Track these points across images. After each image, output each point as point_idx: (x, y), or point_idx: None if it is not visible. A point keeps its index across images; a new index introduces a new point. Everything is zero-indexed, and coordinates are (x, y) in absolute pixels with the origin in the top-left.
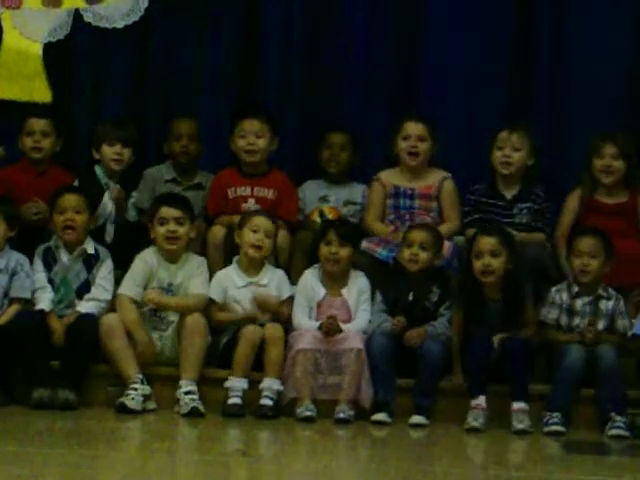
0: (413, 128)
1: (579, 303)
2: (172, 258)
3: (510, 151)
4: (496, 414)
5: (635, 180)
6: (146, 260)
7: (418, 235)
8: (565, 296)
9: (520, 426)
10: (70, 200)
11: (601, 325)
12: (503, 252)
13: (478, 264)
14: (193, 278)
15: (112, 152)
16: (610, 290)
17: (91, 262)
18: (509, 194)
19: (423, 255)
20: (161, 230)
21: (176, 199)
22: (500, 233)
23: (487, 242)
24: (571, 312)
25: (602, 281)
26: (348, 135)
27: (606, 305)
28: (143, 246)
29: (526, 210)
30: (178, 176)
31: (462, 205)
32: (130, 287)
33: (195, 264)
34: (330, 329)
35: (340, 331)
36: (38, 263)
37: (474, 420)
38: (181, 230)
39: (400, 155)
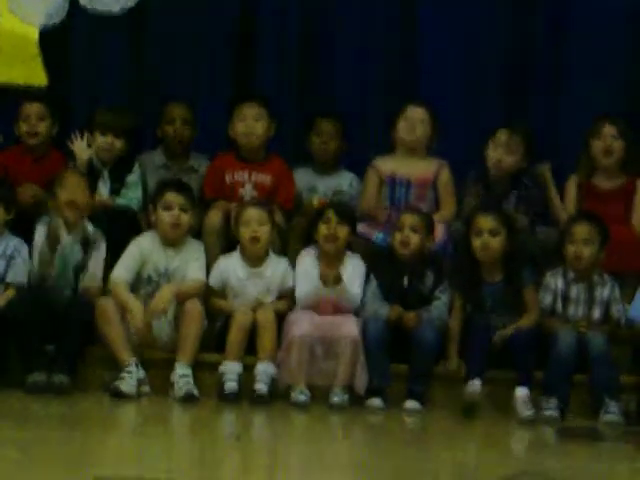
0: (414, 112)
1: (574, 290)
2: (171, 243)
3: (504, 154)
4: (491, 400)
5: (632, 164)
6: (141, 245)
7: (409, 218)
8: (560, 282)
9: (528, 413)
10: (73, 179)
11: (597, 313)
12: (502, 231)
13: (477, 242)
14: (190, 262)
15: (103, 141)
16: (605, 276)
17: (87, 244)
18: (500, 189)
19: (414, 238)
20: (166, 216)
21: (181, 186)
22: (499, 212)
23: (487, 220)
24: (566, 299)
25: (597, 267)
26: (338, 122)
27: (601, 292)
28: (139, 232)
29: (514, 198)
30: (169, 160)
31: (460, 193)
32: (122, 272)
33: (192, 249)
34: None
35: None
36: (44, 244)
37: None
38: (184, 217)
39: (398, 136)
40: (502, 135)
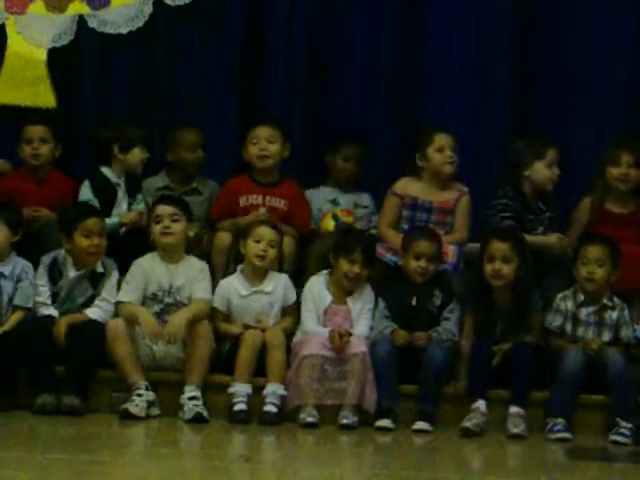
0: (445, 138)
1: (584, 312)
2: (171, 258)
3: (556, 170)
4: (498, 420)
5: None
6: (142, 265)
7: (425, 247)
8: (570, 304)
9: (515, 430)
10: (96, 224)
11: (606, 336)
12: (515, 258)
13: (489, 268)
14: (197, 283)
15: (144, 157)
16: (615, 299)
17: (97, 278)
18: (537, 207)
19: (432, 267)
20: (157, 228)
21: (170, 197)
22: (513, 238)
23: (500, 247)
24: (575, 321)
25: (608, 290)
26: (359, 145)
27: (610, 315)
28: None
29: (547, 220)
30: (171, 182)
31: (499, 211)
32: (127, 294)
33: (197, 268)
34: (342, 348)
35: (350, 334)
36: (43, 276)
37: (468, 420)
38: (176, 226)
39: (432, 166)
40: (553, 153)
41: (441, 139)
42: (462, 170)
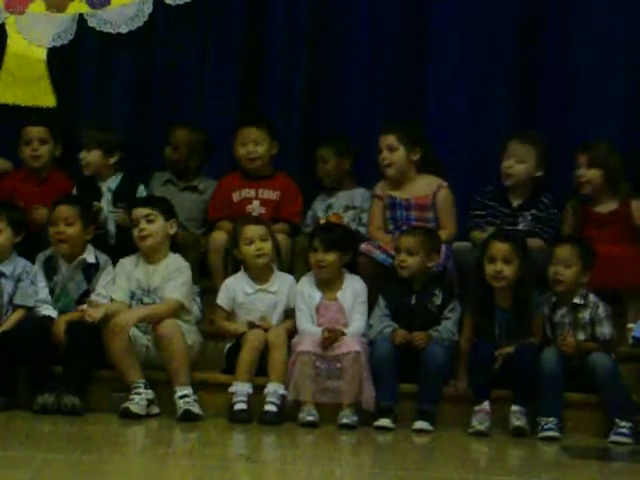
0: (382, 139)
1: (558, 314)
2: (152, 258)
3: (514, 162)
4: (500, 420)
5: (621, 188)
6: (124, 265)
7: (405, 241)
8: (546, 308)
9: (517, 423)
10: (61, 212)
11: (582, 335)
12: (516, 259)
13: (490, 269)
14: (169, 282)
15: (87, 158)
16: (591, 297)
17: (91, 272)
18: (515, 202)
19: (410, 260)
20: (135, 231)
21: (144, 199)
22: (514, 240)
23: (501, 248)
24: (552, 324)
25: (582, 289)
26: (331, 147)
27: (583, 314)
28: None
29: (530, 217)
30: (175, 177)
31: (471, 208)
32: (116, 293)
33: (174, 267)
34: (329, 342)
35: (343, 334)
36: (39, 273)
37: (479, 424)
38: (152, 227)
39: None
40: (512, 144)
41: (380, 140)
42: (463, 169)
